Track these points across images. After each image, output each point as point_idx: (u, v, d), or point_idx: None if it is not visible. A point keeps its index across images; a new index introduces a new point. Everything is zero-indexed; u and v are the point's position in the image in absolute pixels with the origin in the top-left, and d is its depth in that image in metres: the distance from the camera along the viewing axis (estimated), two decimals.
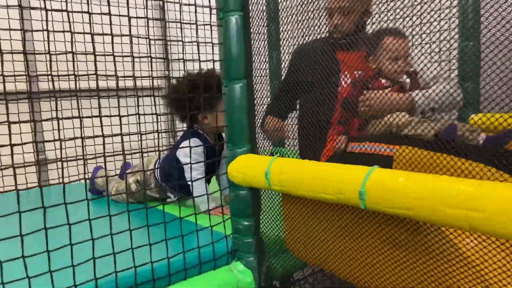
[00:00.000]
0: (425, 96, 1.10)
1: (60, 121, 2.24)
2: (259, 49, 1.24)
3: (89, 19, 0.91)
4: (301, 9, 1.14)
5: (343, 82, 1.49)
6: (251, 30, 1.22)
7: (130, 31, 1.00)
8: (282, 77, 1.40)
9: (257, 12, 1.22)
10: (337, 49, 1.44)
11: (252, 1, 1.20)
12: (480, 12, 0.84)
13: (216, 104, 1.46)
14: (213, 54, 1.22)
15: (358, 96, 1.30)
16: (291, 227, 1.22)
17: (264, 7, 1.20)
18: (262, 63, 1.24)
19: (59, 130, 1.14)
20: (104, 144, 0.97)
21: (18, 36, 2.35)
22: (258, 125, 1.29)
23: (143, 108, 1.08)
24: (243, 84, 1.20)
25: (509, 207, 0.64)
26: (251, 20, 1.21)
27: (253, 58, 1.22)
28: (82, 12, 0.88)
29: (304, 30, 1.15)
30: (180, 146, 1.52)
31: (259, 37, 1.23)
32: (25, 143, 0.88)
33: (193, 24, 1.13)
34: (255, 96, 1.25)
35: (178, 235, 1.15)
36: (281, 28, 1.20)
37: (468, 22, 1.08)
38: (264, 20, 1.22)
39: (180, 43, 2.85)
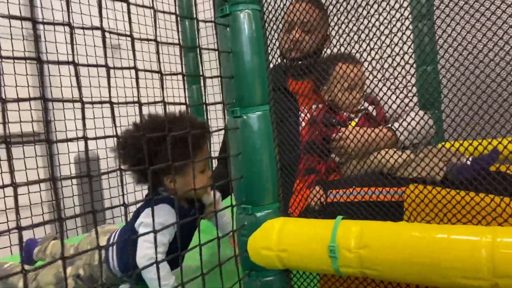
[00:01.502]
0: (407, 130, 0.93)
1: None
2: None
3: None
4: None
5: (301, 120, 1.21)
6: (267, 32, 0.83)
7: None
8: None
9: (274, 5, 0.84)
10: (289, 76, 1.19)
11: None
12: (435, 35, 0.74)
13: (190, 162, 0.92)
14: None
15: (320, 136, 1.10)
16: None
17: None
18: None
19: None
20: None
21: None
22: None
23: None
24: (265, 112, 0.79)
25: None
26: (266, 17, 0.83)
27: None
28: None
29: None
30: (141, 216, 1.00)
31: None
32: None
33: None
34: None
35: None
36: None
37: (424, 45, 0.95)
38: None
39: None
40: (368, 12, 0.79)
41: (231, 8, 0.77)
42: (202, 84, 2.05)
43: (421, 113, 1.05)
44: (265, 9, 0.83)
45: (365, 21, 0.80)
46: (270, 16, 0.83)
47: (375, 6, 0.79)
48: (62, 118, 1.95)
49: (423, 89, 1.25)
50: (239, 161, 0.79)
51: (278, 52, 1.19)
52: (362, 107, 1.15)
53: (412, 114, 1.02)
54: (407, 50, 0.82)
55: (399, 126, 1.03)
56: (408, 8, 0.80)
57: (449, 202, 0.73)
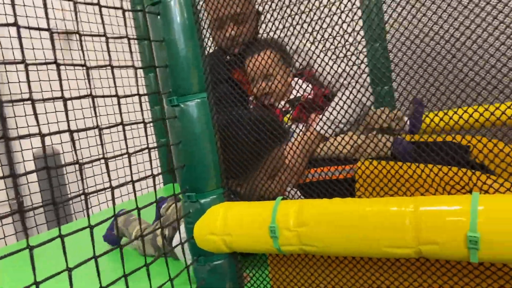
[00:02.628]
0: (337, 117, 0.93)
1: None
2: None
3: None
4: None
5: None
6: (201, 17, 0.83)
7: None
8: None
9: None
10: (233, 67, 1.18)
11: None
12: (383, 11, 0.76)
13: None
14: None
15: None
16: None
17: None
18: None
19: None
20: None
21: None
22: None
23: None
24: (203, 100, 0.79)
25: None
26: (198, 3, 0.82)
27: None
28: None
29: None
30: None
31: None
32: None
33: None
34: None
35: None
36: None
37: (373, 23, 0.96)
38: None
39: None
40: None
41: None
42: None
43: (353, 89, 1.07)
44: None
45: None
46: (202, 3, 0.82)
47: None
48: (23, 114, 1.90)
49: (372, 65, 1.29)
50: (180, 150, 0.79)
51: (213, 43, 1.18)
52: (298, 95, 1.14)
53: (347, 92, 1.00)
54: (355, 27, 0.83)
55: (335, 106, 0.97)
56: None
57: (393, 177, 0.76)
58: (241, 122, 0.92)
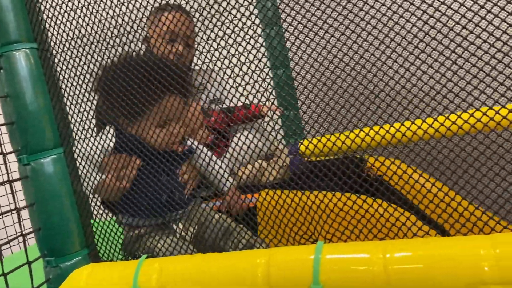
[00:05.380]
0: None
1: None
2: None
3: None
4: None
5: None
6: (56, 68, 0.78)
7: None
8: None
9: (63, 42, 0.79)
10: None
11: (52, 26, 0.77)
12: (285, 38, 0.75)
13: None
14: None
15: None
16: None
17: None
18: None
19: None
20: None
21: None
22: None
23: None
24: (58, 156, 0.74)
25: None
26: (49, 54, 0.77)
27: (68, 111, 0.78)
28: None
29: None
30: None
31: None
32: None
33: None
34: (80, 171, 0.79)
35: None
36: None
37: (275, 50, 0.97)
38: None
39: None
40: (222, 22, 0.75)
41: (2, 50, 0.71)
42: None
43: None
44: (52, 46, 0.77)
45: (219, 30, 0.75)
46: (56, 51, 0.78)
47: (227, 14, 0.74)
48: None
49: (278, 90, 1.30)
50: (35, 212, 0.73)
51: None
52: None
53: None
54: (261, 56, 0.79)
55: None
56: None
57: (285, 203, 0.74)
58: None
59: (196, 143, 0.94)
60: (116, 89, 0.76)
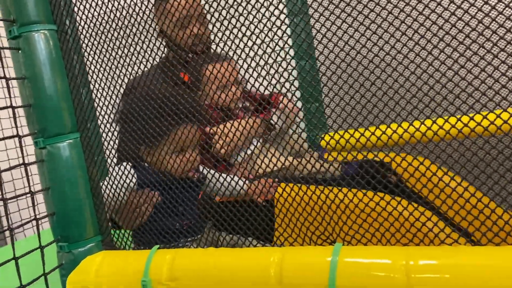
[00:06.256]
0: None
1: None
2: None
3: None
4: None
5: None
6: (72, 52, 0.76)
7: None
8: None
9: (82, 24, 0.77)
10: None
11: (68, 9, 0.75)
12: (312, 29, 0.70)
13: None
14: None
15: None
16: None
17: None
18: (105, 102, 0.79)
19: None
20: None
21: None
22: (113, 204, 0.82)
23: None
24: (75, 140, 0.73)
25: None
26: (69, 37, 0.75)
27: (85, 95, 0.76)
28: None
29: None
30: None
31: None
32: None
33: None
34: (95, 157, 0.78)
35: None
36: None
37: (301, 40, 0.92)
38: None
39: None
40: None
41: (21, 30, 0.70)
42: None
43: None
44: (67, 28, 0.75)
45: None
46: (75, 35, 0.76)
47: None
48: None
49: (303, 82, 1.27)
50: (50, 196, 0.72)
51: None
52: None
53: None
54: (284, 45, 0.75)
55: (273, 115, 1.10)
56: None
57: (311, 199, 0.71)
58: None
59: (206, 170, 0.93)
60: (136, 119, 0.77)
